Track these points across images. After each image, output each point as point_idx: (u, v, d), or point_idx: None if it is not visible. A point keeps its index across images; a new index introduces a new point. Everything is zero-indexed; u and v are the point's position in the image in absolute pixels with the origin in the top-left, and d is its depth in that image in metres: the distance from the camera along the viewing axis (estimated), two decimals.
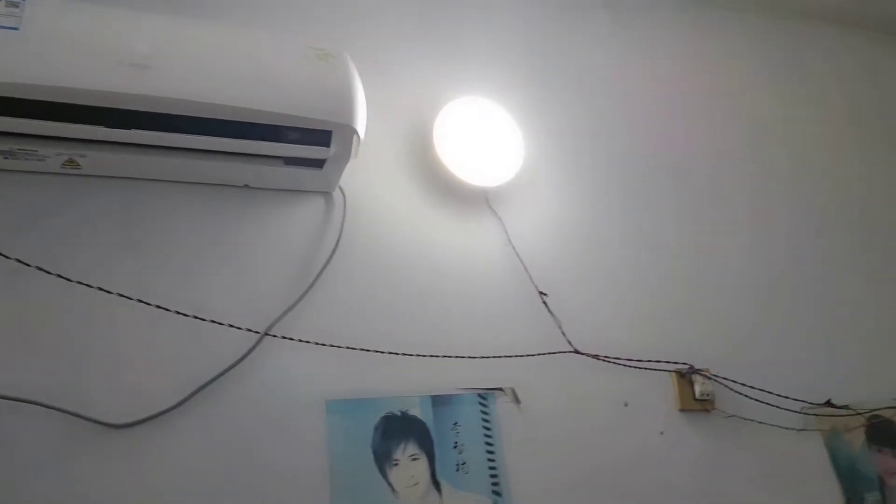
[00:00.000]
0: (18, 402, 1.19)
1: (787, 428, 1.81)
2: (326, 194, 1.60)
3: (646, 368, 1.70)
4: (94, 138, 1.30)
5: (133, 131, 1.31)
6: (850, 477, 1.85)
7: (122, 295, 1.29)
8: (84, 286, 1.28)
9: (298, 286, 1.47)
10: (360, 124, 1.44)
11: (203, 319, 1.35)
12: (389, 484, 1.40)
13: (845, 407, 1.89)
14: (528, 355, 1.59)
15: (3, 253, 1.24)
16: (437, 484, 1.44)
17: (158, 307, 1.32)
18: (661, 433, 1.68)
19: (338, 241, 1.54)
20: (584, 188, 1.91)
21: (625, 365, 1.68)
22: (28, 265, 1.25)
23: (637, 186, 1.99)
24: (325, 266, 1.51)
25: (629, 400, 1.68)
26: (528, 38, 2.07)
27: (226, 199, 1.50)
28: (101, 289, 1.28)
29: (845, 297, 2.14)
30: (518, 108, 1.85)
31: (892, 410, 2.00)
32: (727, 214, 2.09)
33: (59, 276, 1.26)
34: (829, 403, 1.87)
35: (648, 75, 2.20)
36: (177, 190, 1.46)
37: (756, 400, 1.78)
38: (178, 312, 1.33)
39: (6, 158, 1.30)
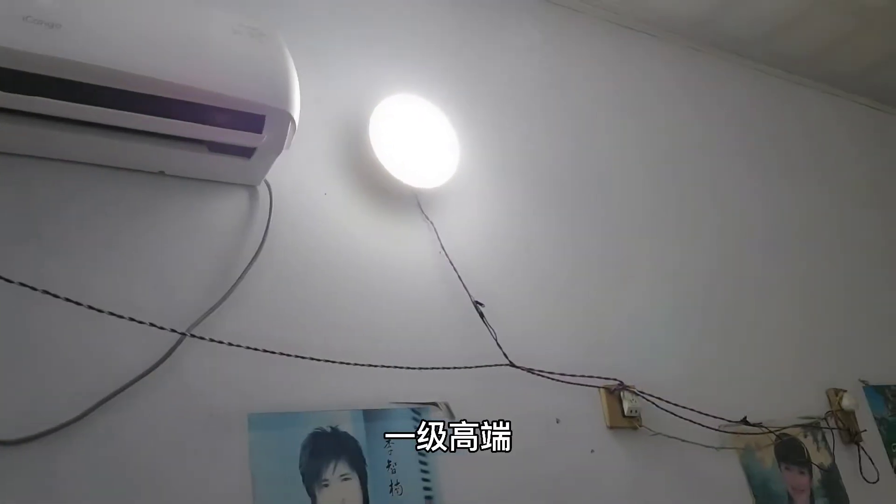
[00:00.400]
0: None
1: (707, 446, 1.80)
2: (251, 188, 1.45)
3: (578, 384, 1.65)
4: None
5: (36, 99, 1.12)
6: (763, 494, 1.87)
7: (23, 284, 1.08)
8: None
9: (219, 286, 1.32)
10: (296, 111, 1.32)
11: (120, 316, 1.16)
12: None
13: (759, 425, 1.92)
14: (463, 367, 1.50)
15: None
16: None
17: (67, 300, 1.12)
18: (592, 451, 1.63)
19: (263, 240, 1.40)
20: (519, 197, 1.85)
21: (557, 380, 1.62)
22: None
23: (570, 197, 1.96)
24: (249, 265, 1.36)
25: (561, 416, 1.62)
26: (464, 41, 2.00)
27: (138, 185, 1.32)
28: None
29: (761, 317, 2.19)
30: (453, 110, 1.77)
31: (797, 429, 2.05)
32: (656, 230, 2.10)
33: None
34: (744, 421, 1.89)
35: (580, 86, 2.19)
36: (82, 172, 1.28)
37: (680, 417, 1.77)
38: (90, 307, 1.14)
39: None
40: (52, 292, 1.11)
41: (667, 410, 1.76)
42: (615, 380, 1.71)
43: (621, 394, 1.71)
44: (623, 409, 1.70)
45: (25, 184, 1.22)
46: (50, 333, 1.14)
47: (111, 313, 1.15)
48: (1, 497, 1.01)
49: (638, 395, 1.73)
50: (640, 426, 1.72)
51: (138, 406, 1.17)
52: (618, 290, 1.91)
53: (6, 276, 1.08)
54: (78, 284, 1.16)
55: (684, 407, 1.78)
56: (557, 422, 1.61)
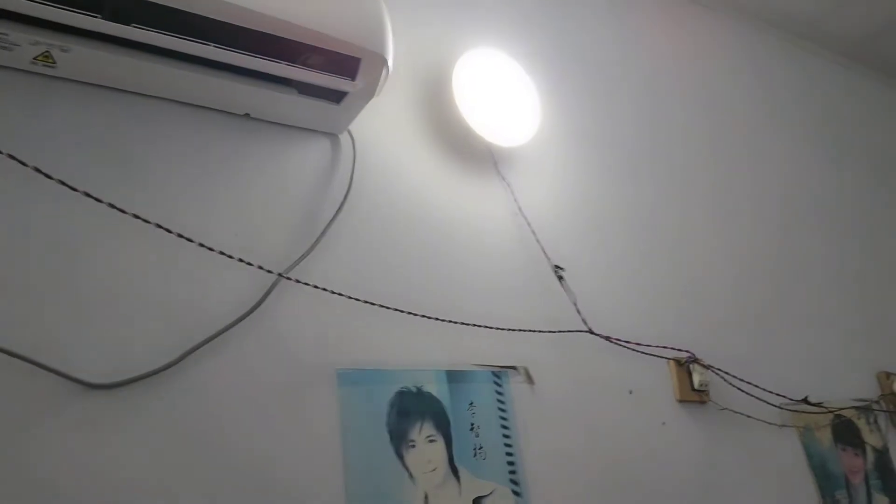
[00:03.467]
0: None
1: (769, 423, 1.77)
2: (333, 136, 1.39)
3: (652, 355, 1.61)
4: (83, 27, 1.04)
5: (132, 27, 1.06)
6: (822, 474, 1.84)
7: (112, 206, 1.01)
8: (65, 188, 1.02)
9: (306, 234, 1.26)
10: (391, 57, 1.26)
11: (228, 255, 1.11)
12: (406, 468, 1.21)
13: (819, 405, 1.89)
14: (544, 331, 1.45)
15: None
16: (454, 470, 1.27)
17: (158, 226, 1.06)
18: (663, 423, 1.59)
19: (348, 189, 1.34)
20: (595, 165, 1.79)
21: (633, 349, 1.57)
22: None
23: (646, 168, 1.91)
24: (335, 214, 1.30)
25: (634, 387, 1.58)
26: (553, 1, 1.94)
27: (223, 127, 1.26)
28: (88, 195, 1.00)
29: (819, 297, 2.16)
30: (536, 69, 1.70)
31: (852, 411, 2.02)
32: (727, 208, 2.06)
33: (37, 169, 0.97)
34: (805, 400, 1.85)
35: (657, 58, 2.13)
36: (167, 109, 1.21)
37: (745, 392, 1.73)
38: (179, 235, 1.08)
39: None
40: (142, 217, 1.05)
41: (734, 385, 1.72)
42: (686, 351, 1.67)
43: (691, 366, 1.67)
44: (693, 383, 1.66)
45: (114, 116, 1.15)
46: (150, 276, 1.08)
47: (222, 252, 1.10)
48: (87, 441, 0.96)
49: (707, 368, 1.69)
50: (709, 400, 1.68)
51: (229, 354, 1.11)
52: (687, 262, 1.86)
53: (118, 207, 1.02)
54: (170, 223, 1.10)
55: (749, 383, 1.75)
56: (630, 393, 1.57)
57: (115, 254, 1.07)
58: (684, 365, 1.67)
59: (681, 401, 1.64)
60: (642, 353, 1.59)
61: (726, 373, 1.71)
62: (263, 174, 1.27)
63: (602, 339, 1.53)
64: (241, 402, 1.10)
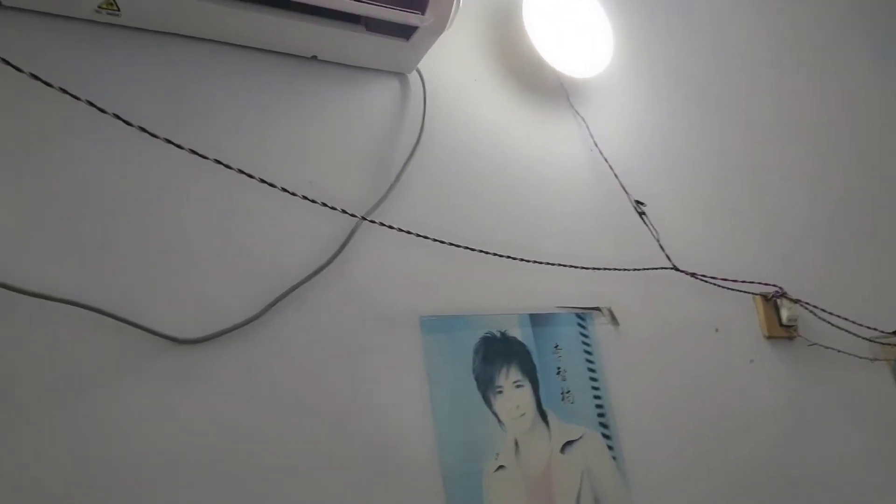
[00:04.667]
0: (66, 306, 0.90)
1: (860, 357, 1.70)
2: (402, 76, 1.33)
3: (738, 290, 1.54)
4: None
5: None
6: None
7: (193, 151, 0.98)
8: (146, 135, 0.99)
9: (381, 177, 1.22)
10: None
11: (311, 200, 1.07)
12: (495, 414, 1.18)
13: None
14: (626, 269, 1.40)
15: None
16: (543, 414, 1.23)
17: (240, 171, 1.02)
18: (751, 361, 1.54)
19: (421, 130, 1.29)
20: (672, 96, 1.71)
21: (719, 285, 1.51)
22: (78, 99, 0.94)
23: (723, 99, 1.80)
24: (408, 158, 1.25)
25: (720, 324, 1.52)
26: None
27: (291, 70, 1.21)
28: (169, 141, 0.97)
29: None
30: None
31: None
32: (827, 136, 1.95)
33: (117, 116, 0.94)
34: None
35: None
36: (233, 54, 1.16)
37: (835, 326, 1.66)
38: (262, 180, 1.04)
39: None
40: (224, 161, 1.01)
41: (823, 319, 1.65)
42: (773, 286, 1.60)
43: (778, 301, 1.60)
44: (780, 318, 1.59)
45: (180, 65, 1.11)
46: (230, 227, 1.06)
47: (304, 197, 1.06)
48: (175, 395, 0.95)
49: (795, 302, 1.62)
50: (797, 335, 1.61)
51: (312, 304, 1.09)
52: (771, 193, 1.78)
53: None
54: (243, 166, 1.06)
55: (839, 316, 1.67)
56: (716, 331, 1.51)
57: (197, 208, 1.04)
58: (771, 300, 1.60)
59: (769, 337, 1.58)
60: (728, 289, 1.53)
61: (815, 307, 1.64)
62: (334, 118, 1.23)
63: (687, 276, 1.47)
64: (325, 351, 1.07)
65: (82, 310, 0.90)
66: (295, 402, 1.03)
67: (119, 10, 1.04)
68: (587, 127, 1.50)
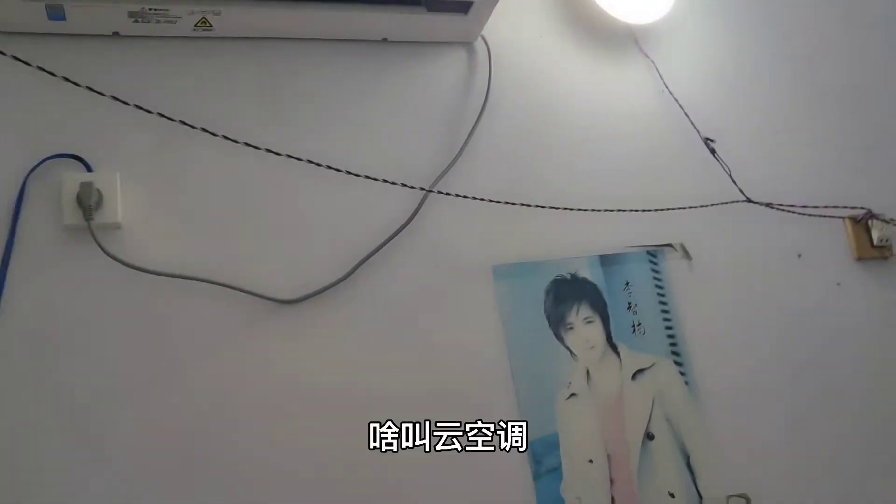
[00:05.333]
0: (184, 281, 1.13)
1: None
2: (468, 45, 1.45)
3: (820, 216, 1.56)
4: None
5: None
6: None
7: (270, 150, 1.18)
8: (233, 150, 1.19)
9: (450, 144, 1.36)
10: None
11: (373, 178, 1.24)
12: (567, 347, 1.32)
13: None
14: (696, 207, 1.46)
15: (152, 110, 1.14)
16: (613, 346, 1.35)
17: (329, 167, 1.22)
18: (838, 284, 1.56)
19: (486, 94, 1.41)
20: (739, 25, 1.70)
21: (798, 213, 1.54)
22: (171, 119, 1.15)
23: (802, 21, 1.77)
24: (476, 121, 1.38)
25: (802, 250, 1.55)
26: None
27: (364, 55, 1.36)
28: (269, 150, 1.18)
29: None
30: None
31: None
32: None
33: (226, 137, 1.16)
34: None
35: None
36: (312, 48, 1.33)
37: None
38: (348, 172, 1.22)
39: (136, 22, 1.19)
40: (315, 161, 1.20)
41: None
42: (861, 208, 1.59)
43: (869, 222, 1.60)
44: (872, 239, 1.59)
45: (265, 63, 1.29)
46: (314, 203, 1.24)
47: (367, 177, 1.23)
48: (281, 349, 1.16)
49: (888, 222, 1.60)
50: (891, 255, 1.61)
51: (393, 262, 1.26)
52: (851, 113, 1.72)
53: (275, 150, 1.19)
54: (324, 154, 1.24)
55: None
56: (799, 256, 1.54)
57: (289, 191, 1.24)
58: (861, 222, 1.60)
59: (858, 259, 1.58)
60: (810, 215, 1.55)
61: None
62: (406, 94, 1.37)
63: (763, 207, 1.51)
64: (408, 303, 1.25)
65: (209, 284, 1.14)
66: (383, 346, 1.22)
67: (212, 25, 1.23)
68: (657, 69, 1.55)
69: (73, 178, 1.12)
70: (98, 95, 1.10)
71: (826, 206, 1.56)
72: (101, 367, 1.08)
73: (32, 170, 1.12)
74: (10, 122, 1.14)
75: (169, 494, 1.06)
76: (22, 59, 1.03)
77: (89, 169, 1.14)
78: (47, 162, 1.13)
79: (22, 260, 1.09)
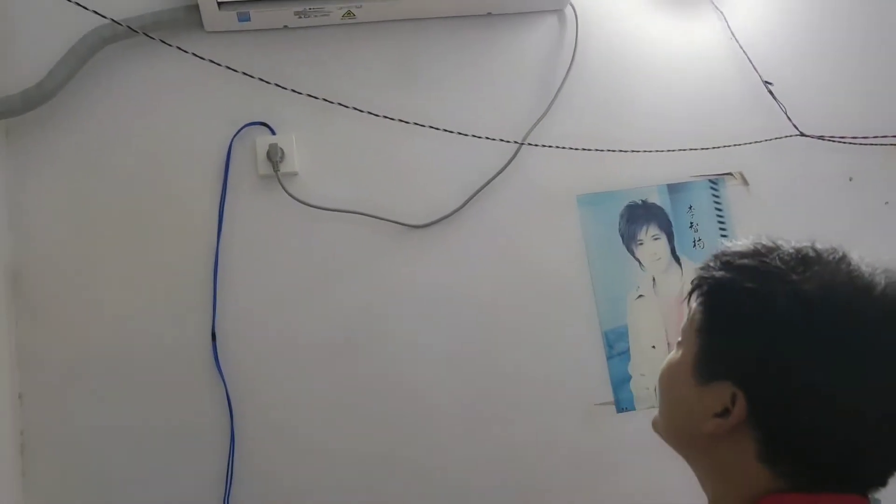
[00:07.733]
0: (344, 213, 1.55)
1: None
2: (559, 12, 1.75)
3: (871, 144, 1.78)
4: None
5: None
6: None
7: (402, 120, 1.57)
8: (374, 116, 1.57)
9: (542, 99, 1.69)
10: None
11: (477, 137, 1.61)
12: (637, 259, 1.66)
13: None
14: (754, 142, 1.73)
15: (311, 94, 1.54)
16: (677, 258, 1.68)
17: (445, 130, 1.59)
18: (886, 203, 1.79)
19: (573, 54, 1.71)
20: None
21: (849, 142, 1.77)
22: (330, 102, 1.55)
23: None
24: (564, 78, 1.70)
25: (854, 175, 1.79)
26: None
27: (473, 28, 1.70)
28: (386, 116, 1.56)
29: None
30: None
31: None
32: None
33: (371, 112, 1.55)
34: None
35: None
36: (430, 26, 1.68)
37: None
38: (460, 133, 1.59)
39: (300, 17, 1.58)
40: (434, 126, 1.58)
41: None
42: None
43: None
44: None
45: (396, 42, 1.66)
46: (432, 153, 1.63)
47: (474, 135, 1.60)
48: (415, 263, 1.58)
49: None
50: None
51: (496, 197, 1.63)
52: None
53: (405, 114, 1.57)
54: (441, 116, 1.61)
55: None
56: (850, 180, 1.78)
57: (416, 147, 1.62)
58: None
59: None
60: (860, 144, 1.77)
61: None
62: (507, 57, 1.70)
63: (815, 139, 1.75)
64: (509, 227, 1.63)
65: (361, 216, 1.56)
66: (492, 260, 1.61)
67: (355, 15, 1.61)
68: (725, 20, 1.79)
69: (263, 140, 1.55)
70: (276, 75, 1.51)
71: (875, 137, 1.78)
72: (288, 276, 1.53)
73: (236, 134, 1.56)
74: (219, 101, 1.57)
75: (336, 366, 1.52)
76: (216, 59, 1.45)
77: (273, 133, 1.57)
78: (245, 128, 1.56)
79: (232, 199, 1.54)
